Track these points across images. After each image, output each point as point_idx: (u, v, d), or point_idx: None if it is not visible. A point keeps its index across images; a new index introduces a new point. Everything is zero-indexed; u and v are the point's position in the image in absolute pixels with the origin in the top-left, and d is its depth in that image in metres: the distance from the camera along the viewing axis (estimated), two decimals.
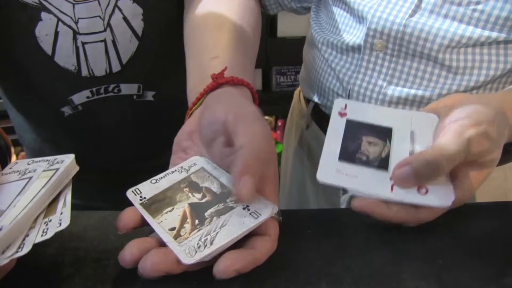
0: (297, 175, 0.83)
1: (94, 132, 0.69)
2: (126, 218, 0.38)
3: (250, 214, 0.36)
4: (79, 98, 0.64)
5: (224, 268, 0.33)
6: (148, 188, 0.41)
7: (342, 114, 0.45)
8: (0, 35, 0.58)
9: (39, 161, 0.41)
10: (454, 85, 0.58)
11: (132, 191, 0.41)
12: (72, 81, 0.62)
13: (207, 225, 0.36)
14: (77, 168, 0.39)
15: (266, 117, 1.93)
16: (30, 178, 0.38)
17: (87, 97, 0.64)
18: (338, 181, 0.40)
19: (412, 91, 0.60)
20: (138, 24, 0.62)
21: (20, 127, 0.73)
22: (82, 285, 0.37)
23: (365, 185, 0.40)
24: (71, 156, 0.39)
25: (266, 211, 0.36)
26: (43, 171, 0.38)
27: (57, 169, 0.38)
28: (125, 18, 0.60)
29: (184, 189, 0.40)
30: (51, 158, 0.40)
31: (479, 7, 0.52)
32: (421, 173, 0.39)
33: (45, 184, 0.36)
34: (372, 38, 0.59)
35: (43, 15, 0.57)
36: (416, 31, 0.56)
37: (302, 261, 0.40)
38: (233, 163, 0.35)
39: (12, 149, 1.37)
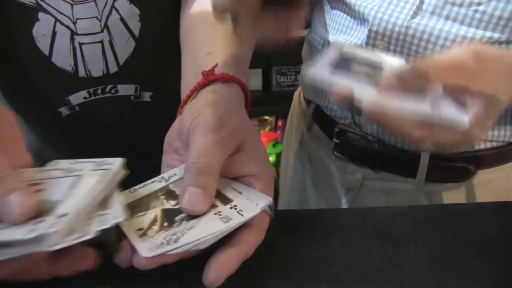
0: (297, 177, 0.83)
1: (92, 133, 0.69)
2: None
3: (220, 218, 0.36)
4: (76, 98, 0.64)
5: (214, 278, 0.34)
6: (126, 197, 0.41)
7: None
8: None
9: (84, 162, 0.41)
10: None
11: None
12: (69, 81, 0.62)
13: (174, 228, 0.36)
14: (123, 172, 0.39)
15: (267, 117, 1.94)
16: (78, 176, 0.38)
17: (84, 98, 0.64)
18: (332, 79, 0.42)
19: None
20: (135, 25, 0.62)
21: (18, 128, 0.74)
22: (82, 284, 0.37)
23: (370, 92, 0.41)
24: (120, 160, 0.40)
25: (238, 217, 0.36)
26: (92, 170, 0.39)
27: (107, 169, 0.38)
28: (122, 19, 0.61)
29: (160, 197, 0.40)
30: (98, 160, 0.41)
31: (481, 8, 0.53)
32: (404, 76, 0.39)
33: (101, 180, 0.36)
34: (374, 40, 0.59)
35: (41, 15, 0.57)
36: (417, 33, 0.56)
37: (302, 261, 0.41)
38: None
39: None
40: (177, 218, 0.37)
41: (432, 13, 0.55)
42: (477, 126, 0.39)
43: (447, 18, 0.55)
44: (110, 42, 0.61)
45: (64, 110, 0.65)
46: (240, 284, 0.38)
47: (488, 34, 0.54)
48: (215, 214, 0.37)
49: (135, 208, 0.39)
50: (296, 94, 0.86)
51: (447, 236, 0.44)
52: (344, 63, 0.43)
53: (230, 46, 0.51)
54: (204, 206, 0.36)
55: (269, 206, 0.38)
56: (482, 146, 0.60)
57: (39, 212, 0.32)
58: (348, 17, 0.63)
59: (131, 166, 0.75)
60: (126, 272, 0.36)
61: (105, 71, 0.63)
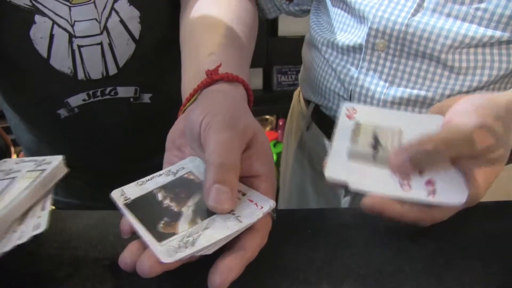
0: (297, 177, 0.83)
1: (91, 134, 0.69)
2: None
3: (236, 218, 0.36)
4: (75, 101, 0.64)
5: (220, 282, 0.34)
6: (133, 190, 0.41)
7: (350, 117, 0.45)
8: None
9: (28, 161, 0.40)
10: (457, 86, 0.58)
11: (117, 192, 0.41)
12: (68, 84, 0.63)
13: (190, 228, 0.36)
14: (65, 171, 0.39)
15: (267, 116, 1.94)
16: (14, 178, 0.37)
17: (84, 100, 0.65)
18: (347, 178, 0.40)
19: (415, 92, 0.60)
20: (135, 27, 0.62)
21: (17, 128, 0.74)
22: (81, 285, 0.38)
23: (375, 184, 0.40)
24: (59, 158, 0.39)
25: (251, 215, 0.36)
26: (28, 171, 0.38)
27: (43, 170, 0.38)
28: (122, 21, 0.61)
29: (170, 192, 0.40)
30: (39, 158, 0.40)
31: (482, 5, 0.53)
32: (417, 158, 0.39)
33: (28, 186, 0.36)
34: (374, 38, 0.59)
35: (37, 17, 0.57)
36: (418, 31, 0.56)
37: (302, 261, 0.41)
38: (205, 177, 0.36)
39: (12, 149, 1.38)
40: (189, 214, 0.37)
41: (433, 10, 0.55)
42: (476, 200, 0.40)
43: (448, 15, 0.55)
44: (110, 44, 0.62)
45: (63, 112, 0.65)
46: (240, 284, 0.38)
47: (489, 32, 0.54)
48: (229, 213, 0.37)
49: (143, 202, 0.39)
50: (295, 94, 0.86)
51: (448, 235, 0.44)
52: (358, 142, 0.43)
53: (231, 46, 0.51)
54: (231, 205, 0.36)
55: (272, 209, 0.38)
56: None
57: None
58: (348, 16, 0.64)
59: (130, 166, 0.76)
60: (126, 272, 0.37)
61: (105, 74, 0.63)
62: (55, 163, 0.38)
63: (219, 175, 0.36)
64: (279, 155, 1.64)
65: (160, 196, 0.40)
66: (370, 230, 0.45)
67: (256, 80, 1.78)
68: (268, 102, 1.74)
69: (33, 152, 0.75)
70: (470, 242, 0.44)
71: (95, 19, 0.59)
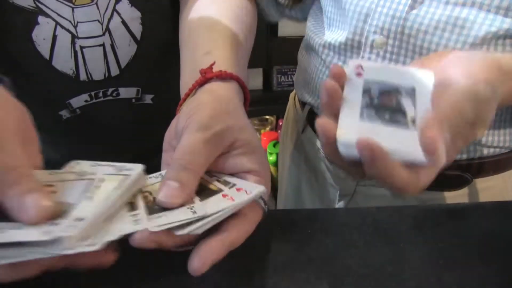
0: (293, 179, 0.83)
1: (93, 135, 0.69)
2: None
3: (229, 198, 0.37)
4: (78, 102, 0.64)
5: (199, 265, 0.34)
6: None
7: (359, 75, 0.42)
8: None
9: (104, 165, 0.40)
10: None
11: None
12: (70, 85, 0.62)
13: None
14: (145, 180, 0.39)
15: (267, 117, 1.94)
16: (91, 179, 0.38)
17: (86, 101, 0.65)
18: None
19: None
20: (137, 28, 0.62)
21: None
22: (82, 284, 0.38)
23: (392, 142, 0.36)
24: (140, 167, 0.39)
25: (241, 197, 0.37)
26: (107, 174, 0.38)
27: (127, 176, 0.38)
28: (123, 22, 0.61)
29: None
30: (117, 164, 0.40)
31: None
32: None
33: (117, 187, 0.36)
34: (373, 34, 0.59)
35: (40, 19, 0.57)
36: (416, 25, 0.55)
37: (302, 261, 0.41)
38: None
39: None
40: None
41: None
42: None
43: (447, 3, 0.54)
44: (112, 46, 0.62)
45: (65, 113, 0.65)
46: (240, 283, 0.38)
47: (490, 16, 0.53)
48: (188, 208, 0.36)
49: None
50: (291, 96, 0.86)
51: (447, 235, 0.44)
52: (372, 102, 0.39)
53: (228, 45, 0.51)
54: (178, 199, 0.35)
55: (262, 198, 0.38)
56: (478, 153, 0.60)
57: (54, 214, 0.32)
58: (344, 14, 0.63)
59: None
60: (127, 271, 0.37)
61: (107, 75, 0.63)
62: (137, 171, 0.38)
63: (173, 173, 0.36)
64: (278, 155, 1.64)
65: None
66: (370, 230, 0.45)
67: (256, 80, 1.78)
68: (268, 102, 1.74)
69: None
70: (469, 242, 0.44)
71: (98, 20, 0.60)
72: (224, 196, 0.37)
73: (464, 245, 0.43)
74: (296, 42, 0.84)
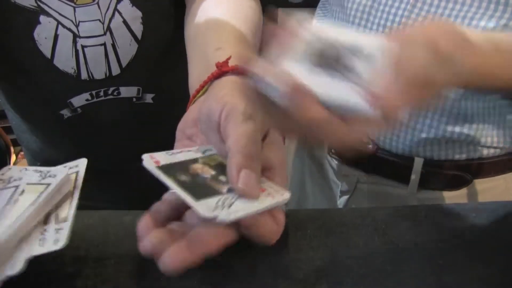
0: (296, 174, 0.83)
1: (93, 134, 0.69)
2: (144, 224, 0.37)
3: (265, 195, 0.36)
4: (79, 101, 0.64)
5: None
6: (164, 157, 0.40)
7: (306, 31, 0.38)
8: None
9: (32, 170, 0.39)
10: None
11: (147, 156, 0.41)
12: (72, 84, 0.63)
13: (224, 194, 0.36)
14: (70, 185, 0.38)
15: None
16: (17, 187, 0.37)
17: (87, 100, 0.65)
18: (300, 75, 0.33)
19: None
20: (138, 28, 0.62)
21: (18, 128, 0.74)
22: (82, 285, 0.38)
23: (326, 89, 0.33)
24: (64, 171, 0.38)
25: (280, 196, 0.36)
26: (31, 184, 0.37)
27: (48, 185, 0.37)
28: (125, 22, 0.61)
29: (200, 164, 0.40)
30: (44, 169, 0.39)
31: None
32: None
33: (33, 202, 0.35)
34: (376, 32, 0.59)
35: (42, 18, 0.57)
36: (417, 24, 0.55)
37: (302, 261, 0.41)
38: (228, 168, 0.36)
39: (12, 149, 1.38)
40: (225, 179, 0.37)
41: None
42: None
43: (447, 1, 0.54)
44: (113, 45, 0.62)
45: (66, 112, 0.65)
46: (240, 283, 0.38)
47: (489, 12, 0.52)
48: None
49: (175, 168, 0.38)
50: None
51: (447, 236, 0.44)
52: (320, 54, 0.36)
53: (239, 43, 0.51)
54: (257, 191, 0.35)
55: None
56: (478, 154, 0.59)
57: None
58: (347, 11, 0.63)
59: (132, 166, 0.76)
60: (127, 272, 0.37)
61: (108, 74, 0.63)
62: (60, 177, 0.38)
63: (245, 162, 0.35)
64: None
65: (192, 167, 0.39)
66: (370, 230, 0.45)
67: None
68: None
69: (35, 152, 0.75)
70: (469, 242, 0.44)
71: (99, 19, 0.60)
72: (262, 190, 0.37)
73: (463, 245, 0.43)
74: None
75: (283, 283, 0.38)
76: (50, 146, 0.73)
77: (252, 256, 0.41)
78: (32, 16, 0.57)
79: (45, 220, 0.35)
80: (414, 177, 0.60)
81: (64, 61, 0.61)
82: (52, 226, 0.35)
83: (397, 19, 0.56)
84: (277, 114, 0.35)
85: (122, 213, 0.46)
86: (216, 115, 0.39)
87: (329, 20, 0.69)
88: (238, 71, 0.45)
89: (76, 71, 0.62)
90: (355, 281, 0.39)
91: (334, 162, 0.69)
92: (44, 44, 0.59)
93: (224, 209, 0.33)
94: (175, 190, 0.35)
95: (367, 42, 0.37)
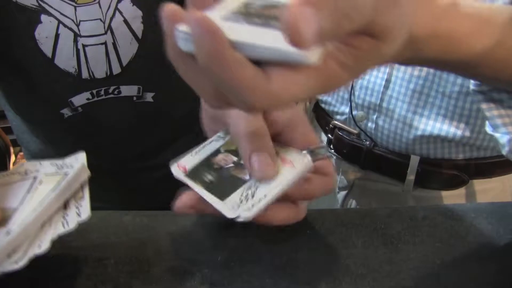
0: None
1: (94, 133, 0.69)
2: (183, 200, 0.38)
3: (288, 165, 0.36)
4: (79, 100, 0.64)
5: None
6: (189, 160, 0.42)
7: None
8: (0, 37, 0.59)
9: (46, 162, 0.41)
10: (458, 79, 0.58)
11: (176, 165, 0.42)
12: (72, 83, 0.63)
13: (247, 179, 0.37)
14: (88, 172, 0.39)
15: None
16: (35, 178, 0.38)
17: (87, 99, 0.65)
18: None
19: (421, 81, 0.59)
20: (138, 27, 0.62)
21: (18, 128, 0.74)
22: (82, 284, 0.38)
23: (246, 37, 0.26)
24: (80, 160, 0.39)
25: (301, 160, 0.37)
26: (51, 174, 0.39)
27: (65, 174, 0.38)
28: (125, 21, 0.61)
29: (221, 156, 0.41)
30: (60, 161, 0.40)
31: None
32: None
33: (54, 188, 0.36)
34: (355, 109, 0.59)
35: (43, 17, 0.57)
36: (392, 100, 0.56)
37: (301, 261, 0.41)
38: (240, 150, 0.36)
39: (11, 149, 1.38)
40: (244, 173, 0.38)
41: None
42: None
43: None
44: (114, 44, 0.62)
45: (66, 112, 0.65)
46: (240, 284, 0.38)
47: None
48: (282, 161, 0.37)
49: (200, 169, 0.40)
50: None
51: (445, 236, 0.44)
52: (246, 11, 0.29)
53: None
54: (274, 170, 0.35)
55: (315, 150, 0.38)
56: (475, 154, 0.59)
57: None
58: None
59: (132, 164, 0.76)
60: (127, 272, 0.37)
61: (108, 73, 0.63)
62: (77, 166, 0.39)
63: (252, 145, 0.35)
64: None
65: (215, 160, 0.41)
66: (369, 230, 0.45)
67: None
68: None
69: (35, 153, 0.75)
70: (467, 242, 0.44)
71: (100, 19, 0.60)
72: (287, 163, 0.37)
73: (461, 245, 0.43)
74: None
75: (283, 283, 0.39)
76: (50, 146, 0.73)
77: (252, 256, 0.41)
78: (33, 16, 0.57)
79: (65, 206, 0.37)
80: (410, 174, 0.61)
81: (65, 60, 0.61)
82: (72, 209, 0.36)
83: (373, 99, 0.57)
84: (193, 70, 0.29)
85: (121, 213, 0.46)
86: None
87: None
88: None
89: (77, 70, 0.62)
90: (354, 281, 0.39)
91: (333, 158, 0.70)
92: (45, 43, 0.59)
93: (248, 201, 0.35)
94: (203, 195, 0.37)
95: None
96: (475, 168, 0.60)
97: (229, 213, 0.35)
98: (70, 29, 0.59)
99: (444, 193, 0.61)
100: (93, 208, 0.49)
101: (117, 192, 0.75)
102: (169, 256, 0.41)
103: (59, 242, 0.42)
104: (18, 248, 0.32)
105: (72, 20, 0.59)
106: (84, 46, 0.61)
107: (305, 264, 0.41)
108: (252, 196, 0.35)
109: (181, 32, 0.28)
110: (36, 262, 0.39)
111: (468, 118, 0.56)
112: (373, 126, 0.63)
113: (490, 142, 0.58)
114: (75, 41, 0.60)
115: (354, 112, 0.64)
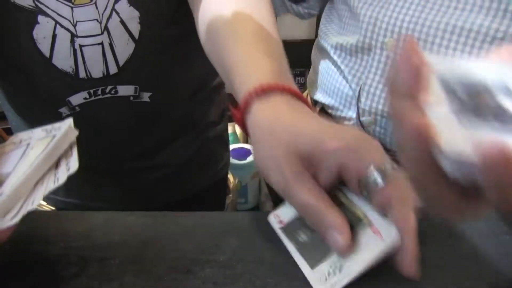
0: None
1: (91, 133, 0.70)
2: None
3: (377, 235, 0.36)
4: (77, 99, 0.65)
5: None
6: (286, 211, 0.43)
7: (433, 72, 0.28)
8: None
9: (36, 130, 0.41)
10: None
11: (272, 216, 0.43)
12: (70, 82, 0.63)
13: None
14: (76, 133, 0.40)
15: None
16: (28, 144, 0.39)
17: (85, 98, 0.65)
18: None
19: None
20: (135, 27, 0.62)
21: (18, 128, 0.74)
22: (87, 284, 0.38)
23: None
24: (68, 122, 0.40)
25: (389, 232, 0.36)
26: (41, 138, 0.39)
27: (54, 136, 0.39)
28: (122, 22, 0.61)
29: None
30: (48, 126, 0.41)
31: None
32: None
33: (43, 150, 0.37)
34: (383, 37, 0.59)
35: (40, 18, 0.58)
36: (425, 28, 0.56)
37: None
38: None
39: None
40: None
41: (441, 5, 0.55)
42: None
43: (454, 8, 0.54)
44: (110, 44, 0.62)
45: (64, 111, 0.66)
46: (240, 283, 0.38)
47: (489, 17, 0.53)
48: (369, 227, 0.37)
49: (296, 225, 0.41)
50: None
51: (443, 236, 0.45)
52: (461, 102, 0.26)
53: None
54: (345, 240, 0.36)
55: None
56: None
57: None
58: (355, 19, 0.64)
59: (130, 164, 0.76)
60: (131, 271, 0.37)
61: (105, 72, 0.64)
62: (64, 128, 0.39)
63: (312, 217, 0.36)
64: None
65: None
66: None
67: None
68: None
69: None
70: (465, 243, 0.44)
71: (96, 19, 0.60)
72: (374, 231, 0.37)
73: (460, 245, 0.44)
74: (295, 45, 0.84)
75: (283, 282, 0.39)
76: None
77: (254, 257, 0.41)
78: (31, 16, 0.57)
79: (56, 165, 0.37)
80: None
81: (63, 60, 0.61)
82: (63, 166, 0.36)
83: (405, 24, 0.57)
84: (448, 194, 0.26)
85: (125, 214, 0.46)
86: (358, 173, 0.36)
87: (336, 26, 0.70)
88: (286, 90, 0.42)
89: (74, 70, 0.62)
90: (355, 281, 0.39)
91: None
92: (43, 43, 0.59)
93: (335, 275, 0.36)
94: (295, 256, 0.39)
95: (502, 74, 0.28)
96: None
97: (316, 285, 0.36)
98: (67, 29, 0.59)
99: None
100: (93, 208, 0.49)
101: (117, 192, 0.75)
102: (172, 256, 0.41)
103: (64, 242, 0.42)
104: (12, 208, 0.33)
105: (69, 21, 0.59)
106: (81, 46, 0.61)
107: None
108: (340, 271, 0.36)
109: (452, 157, 0.24)
110: (41, 261, 0.39)
111: None
112: (382, 131, 0.64)
113: None
114: (72, 41, 0.60)
115: (362, 118, 0.65)
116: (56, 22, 0.59)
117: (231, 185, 1.25)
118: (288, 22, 1.61)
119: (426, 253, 0.42)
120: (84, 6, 0.59)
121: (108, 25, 0.61)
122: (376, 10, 0.59)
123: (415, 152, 0.24)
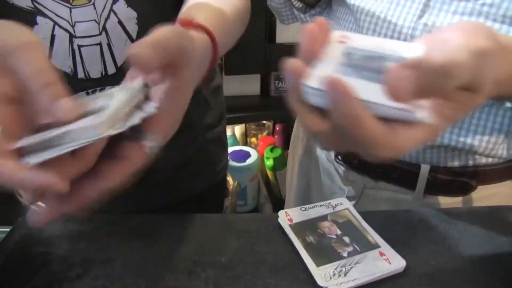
0: (302, 183, 0.83)
1: None
2: None
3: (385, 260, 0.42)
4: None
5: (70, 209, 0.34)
6: (297, 213, 0.47)
7: (342, 42, 0.36)
8: None
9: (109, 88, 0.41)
10: None
11: (284, 213, 0.47)
12: (68, 82, 0.62)
13: (344, 258, 0.41)
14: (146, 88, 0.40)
15: (265, 122, 1.95)
16: (109, 94, 0.38)
17: None
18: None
19: None
20: (133, 28, 0.63)
21: None
22: (91, 284, 0.39)
23: (367, 95, 0.30)
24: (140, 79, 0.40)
25: (396, 263, 0.42)
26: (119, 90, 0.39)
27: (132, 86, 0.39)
28: (120, 22, 0.62)
29: (326, 223, 0.46)
30: (120, 85, 0.41)
31: (488, 1, 0.52)
32: (427, 81, 0.29)
33: (127, 92, 0.37)
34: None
35: (39, 19, 0.58)
36: (424, 34, 0.55)
37: (302, 262, 0.42)
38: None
39: None
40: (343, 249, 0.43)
41: (440, 10, 0.55)
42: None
43: (454, 13, 0.54)
44: (108, 44, 0.62)
45: None
46: (241, 284, 0.39)
47: (497, 25, 0.53)
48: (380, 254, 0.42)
49: (305, 227, 0.45)
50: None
51: (440, 238, 0.46)
52: (352, 62, 0.34)
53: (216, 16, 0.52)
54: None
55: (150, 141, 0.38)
56: (484, 161, 0.59)
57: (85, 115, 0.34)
58: (355, 23, 0.64)
59: None
60: (134, 272, 0.37)
61: (103, 73, 0.64)
62: (138, 82, 0.39)
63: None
64: (276, 160, 1.64)
65: (321, 225, 0.46)
66: None
67: (254, 86, 1.79)
68: (266, 107, 1.74)
69: None
70: (461, 244, 0.45)
71: (95, 20, 0.60)
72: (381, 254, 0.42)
73: (457, 247, 0.45)
74: (293, 48, 0.84)
75: (283, 283, 0.40)
76: None
77: (254, 258, 0.42)
78: (29, 17, 0.58)
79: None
80: (421, 183, 0.60)
81: (61, 60, 0.61)
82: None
83: (404, 30, 0.56)
84: (321, 124, 0.32)
85: (128, 216, 0.48)
86: None
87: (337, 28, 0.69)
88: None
89: (73, 70, 0.62)
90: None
91: (341, 168, 0.69)
92: None
93: (339, 277, 0.39)
94: (301, 252, 0.42)
95: (403, 48, 0.35)
96: (483, 174, 0.59)
97: (320, 281, 0.39)
98: (66, 30, 0.59)
99: (452, 200, 0.60)
100: (91, 208, 0.49)
101: (116, 195, 0.75)
102: (175, 257, 0.42)
103: (68, 243, 0.44)
104: (116, 120, 0.34)
105: (68, 21, 0.59)
106: (79, 46, 0.61)
107: (305, 265, 0.41)
108: (345, 275, 0.39)
109: (310, 88, 0.31)
110: (45, 263, 0.40)
111: (484, 129, 0.56)
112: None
113: (503, 151, 0.58)
114: (71, 41, 0.60)
115: None
116: (55, 23, 0.59)
117: (230, 188, 1.25)
118: (286, 26, 1.62)
119: (423, 254, 0.44)
120: (82, 6, 0.59)
121: (106, 25, 0.61)
122: (376, 15, 0.59)
123: (290, 86, 0.33)
